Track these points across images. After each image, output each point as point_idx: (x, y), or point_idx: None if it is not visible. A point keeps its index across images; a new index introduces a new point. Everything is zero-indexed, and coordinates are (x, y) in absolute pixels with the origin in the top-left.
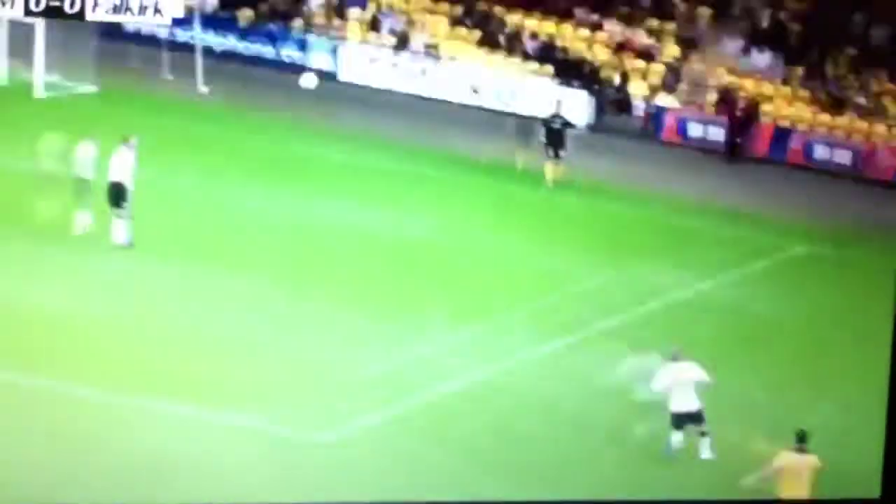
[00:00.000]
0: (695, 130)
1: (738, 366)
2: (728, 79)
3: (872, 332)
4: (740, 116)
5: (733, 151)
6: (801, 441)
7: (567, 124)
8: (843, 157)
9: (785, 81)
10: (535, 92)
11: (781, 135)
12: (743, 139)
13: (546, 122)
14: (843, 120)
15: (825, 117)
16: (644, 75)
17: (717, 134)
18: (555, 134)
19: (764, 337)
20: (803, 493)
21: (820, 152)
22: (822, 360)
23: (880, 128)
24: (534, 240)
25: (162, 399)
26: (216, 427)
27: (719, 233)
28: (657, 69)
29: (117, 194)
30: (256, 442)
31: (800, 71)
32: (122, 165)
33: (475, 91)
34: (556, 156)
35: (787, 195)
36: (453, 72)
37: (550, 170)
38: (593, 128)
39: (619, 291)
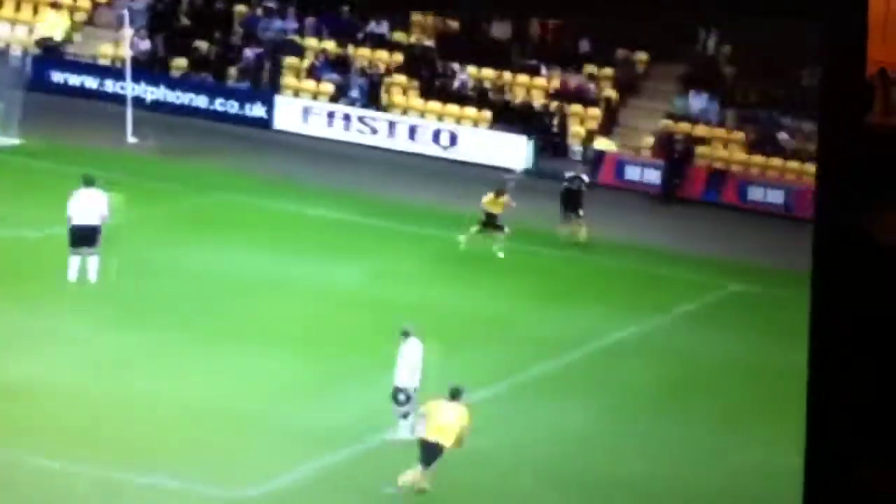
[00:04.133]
0: (632, 173)
1: (673, 408)
2: (664, 122)
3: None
4: (677, 159)
5: (669, 193)
6: (454, 397)
7: (586, 185)
8: (776, 197)
9: (720, 124)
10: (473, 138)
11: (716, 176)
12: (679, 181)
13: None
14: (776, 161)
15: (758, 158)
16: (582, 120)
17: (654, 176)
18: (572, 195)
19: (699, 378)
20: (445, 439)
21: (753, 193)
22: (757, 401)
23: (812, 168)
24: (467, 286)
25: (86, 462)
26: (143, 489)
27: (656, 273)
28: (594, 113)
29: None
30: (187, 501)
31: (734, 113)
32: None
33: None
34: (577, 215)
35: (721, 235)
36: (391, 119)
37: (567, 229)
38: (531, 172)
39: (556, 336)
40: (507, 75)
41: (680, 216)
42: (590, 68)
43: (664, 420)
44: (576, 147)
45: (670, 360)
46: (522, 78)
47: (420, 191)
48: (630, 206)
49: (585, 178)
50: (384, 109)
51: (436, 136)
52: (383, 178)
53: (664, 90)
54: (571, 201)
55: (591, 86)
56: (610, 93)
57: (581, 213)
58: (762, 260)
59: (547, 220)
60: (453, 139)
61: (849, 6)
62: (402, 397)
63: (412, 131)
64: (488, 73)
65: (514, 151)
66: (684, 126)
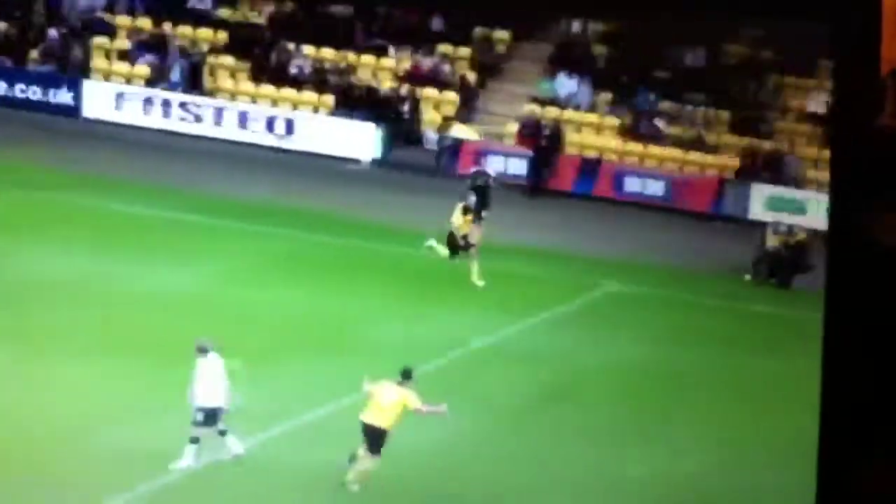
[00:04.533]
0: (494, 163)
1: (545, 417)
2: (529, 107)
3: (688, 373)
4: (544, 147)
5: (537, 185)
6: (405, 377)
7: (493, 180)
8: (655, 188)
9: (591, 108)
10: (313, 125)
11: (588, 166)
12: (547, 172)
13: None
14: (655, 149)
15: (635, 146)
16: (436, 105)
17: (519, 167)
18: (479, 192)
19: (574, 384)
20: (382, 421)
21: (630, 184)
22: (637, 405)
23: (695, 156)
24: (315, 288)
25: None
26: None
27: (525, 273)
28: (450, 98)
29: None
30: None
31: (608, 97)
32: None
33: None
34: (479, 217)
35: (596, 231)
36: (218, 105)
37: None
38: (381, 163)
39: (416, 341)
40: (351, 56)
41: (549, 210)
42: (444, 48)
43: (533, 429)
44: (430, 135)
45: (542, 365)
46: (368, 59)
47: (253, 185)
48: (493, 199)
49: (491, 172)
50: (209, 94)
51: (270, 123)
52: (210, 171)
53: (529, 72)
54: (479, 200)
55: (446, 67)
56: (468, 75)
57: (485, 214)
58: (641, 257)
59: (398, 214)
60: (290, 127)
61: (860, 2)
62: (199, 417)
63: (242, 118)
64: (328, 53)
65: (361, 140)
66: (552, 111)
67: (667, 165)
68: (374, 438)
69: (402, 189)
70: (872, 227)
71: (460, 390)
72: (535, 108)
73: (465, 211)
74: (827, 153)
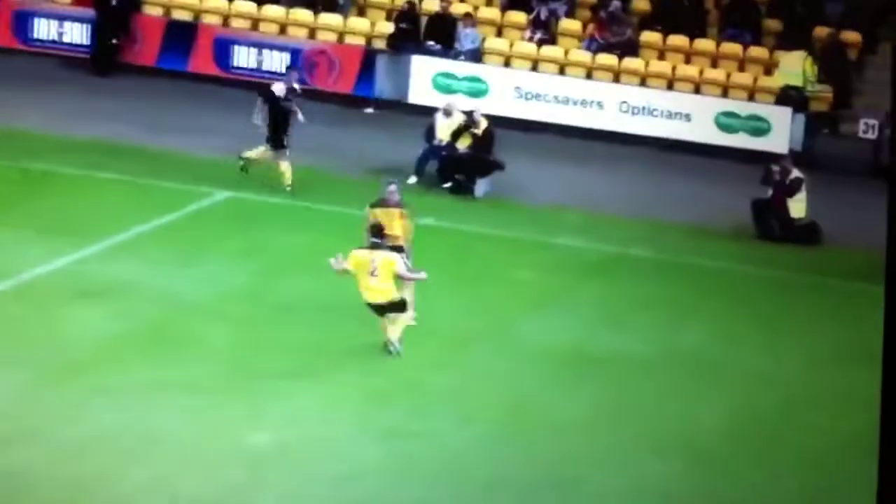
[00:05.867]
0: (45, 28)
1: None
2: None
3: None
4: (113, 6)
5: (104, 58)
6: (376, 236)
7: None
8: (276, 61)
9: None
10: None
11: (179, 32)
12: (117, 40)
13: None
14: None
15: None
16: None
17: (80, 34)
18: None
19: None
20: (380, 293)
21: (242, 57)
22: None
23: (334, 20)
24: None
25: None
26: None
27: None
28: None
29: None
30: None
31: None
32: None
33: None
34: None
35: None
36: None
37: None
38: None
39: None
40: None
41: (124, 92)
42: None
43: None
44: None
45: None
46: None
47: None
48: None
49: (297, 86)
50: None
51: None
52: None
53: None
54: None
55: None
56: None
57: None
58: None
59: None
60: None
61: None
62: None
63: None
64: None
65: None
66: None
67: (293, 31)
68: (392, 308)
69: None
70: None
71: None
72: None
73: None
74: None
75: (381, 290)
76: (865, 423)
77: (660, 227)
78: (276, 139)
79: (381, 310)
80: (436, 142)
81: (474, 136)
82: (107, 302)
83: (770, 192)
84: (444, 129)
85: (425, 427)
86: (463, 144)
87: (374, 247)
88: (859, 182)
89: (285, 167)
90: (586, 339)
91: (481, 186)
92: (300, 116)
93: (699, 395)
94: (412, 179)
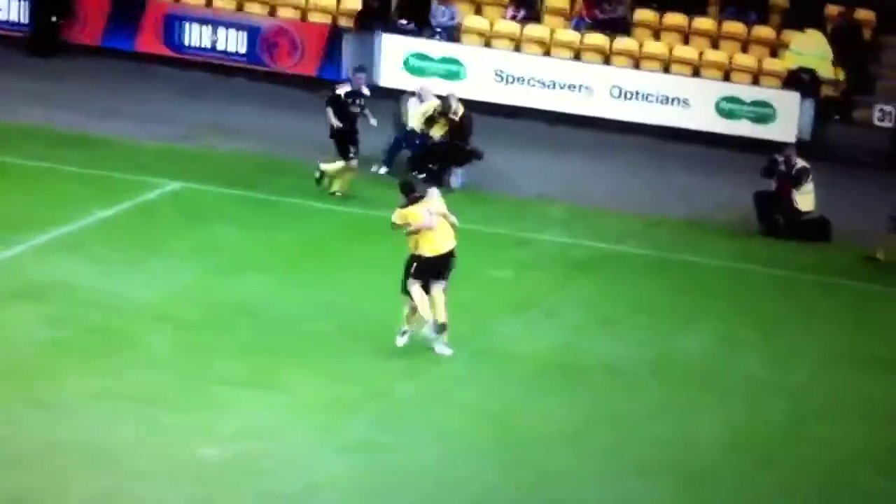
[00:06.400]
0: None
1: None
2: None
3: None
4: None
5: (43, 38)
6: (408, 192)
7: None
8: (234, 41)
9: None
10: None
11: (124, 8)
12: (57, 21)
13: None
14: None
15: None
16: None
17: (17, 11)
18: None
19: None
20: (451, 238)
21: (193, 36)
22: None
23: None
24: None
25: None
26: None
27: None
28: None
29: None
30: None
31: None
32: None
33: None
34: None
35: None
36: None
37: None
38: None
39: None
40: None
41: (69, 73)
42: None
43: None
44: None
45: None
46: None
47: None
48: None
49: (365, 90)
50: None
51: None
52: None
53: None
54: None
55: None
56: None
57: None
58: (218, 142)
59: None
60: None
61: None
62: None
63: None
64: None
65: None
66: None
67: (250, 7)
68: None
69: None
70: None
71: None
72: None
73: None
74: None
75: (450, 235)
76: (883, 436)
77: (654, 221)
78: (344, 145)
79: (446, 266)
80: (408, 129)
81: (450, 122)
82: (44, 303)
83: (774, 183)
84: (416, 116)
85: (396, 440)
86: (437, 132)
87: (414, 202)
88: (873, 174)
89: (349, 175)
90: (572, 344)
91: (457, 177)
92: (371, 120)
93: (696, 406)
94: (382, 170)
